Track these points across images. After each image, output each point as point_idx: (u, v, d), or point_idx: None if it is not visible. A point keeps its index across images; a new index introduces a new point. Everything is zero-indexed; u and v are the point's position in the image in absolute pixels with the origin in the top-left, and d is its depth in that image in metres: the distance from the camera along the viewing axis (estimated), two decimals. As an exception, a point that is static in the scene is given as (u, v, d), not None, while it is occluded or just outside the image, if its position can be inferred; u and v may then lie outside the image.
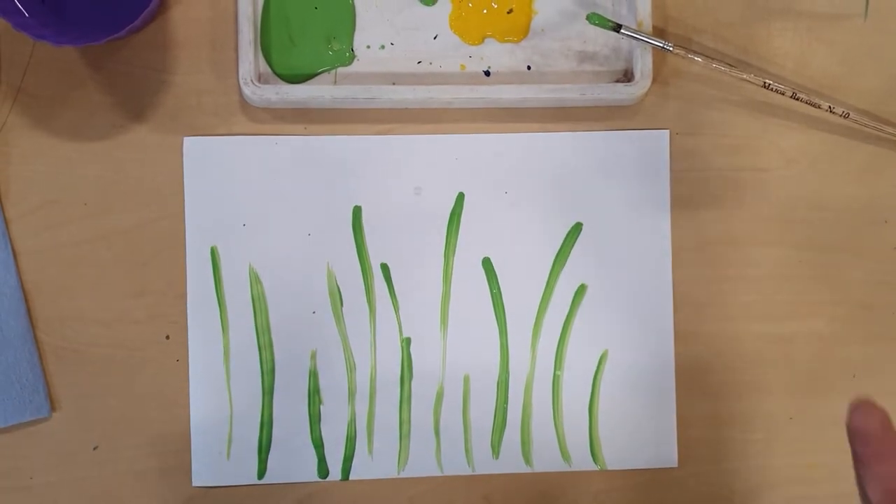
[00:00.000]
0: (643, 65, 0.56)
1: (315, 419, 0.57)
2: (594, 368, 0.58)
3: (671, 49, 0.56)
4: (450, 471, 0.57)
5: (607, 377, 0.58)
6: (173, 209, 0.56)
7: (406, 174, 0.57)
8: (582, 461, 0.58)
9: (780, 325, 0.59)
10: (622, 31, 0.56)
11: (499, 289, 0.58)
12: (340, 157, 0.57)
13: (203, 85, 0.57)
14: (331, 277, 0.57)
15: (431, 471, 0.57)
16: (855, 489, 0.59)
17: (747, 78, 0.57)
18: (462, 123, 0.58)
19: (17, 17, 0.52)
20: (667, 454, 0.58)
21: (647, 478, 0.58)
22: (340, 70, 0.57)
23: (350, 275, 0.57)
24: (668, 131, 0.58)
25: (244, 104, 0.57)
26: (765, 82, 0.57)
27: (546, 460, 0.58)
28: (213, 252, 0.56)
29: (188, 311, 0.56)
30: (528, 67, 0.58)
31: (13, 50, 0.56)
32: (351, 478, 0.57)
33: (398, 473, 0.57)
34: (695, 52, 0.57)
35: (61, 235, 0.56)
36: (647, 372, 0.58)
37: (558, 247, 0.58)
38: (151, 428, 0.56)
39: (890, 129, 0.58)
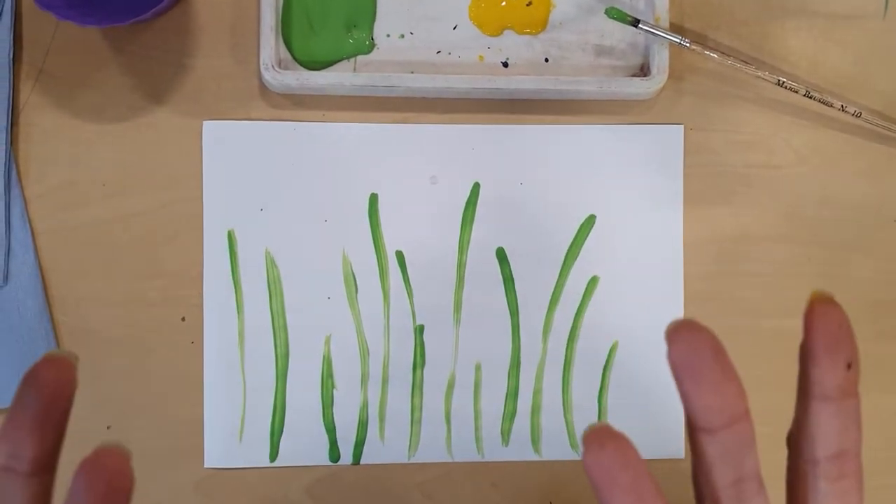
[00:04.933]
0: (660, 60, 0.57)
1: (328, 404, 0.57)
2: (604, 359, 0.59)
3: (688, 45, 0.56)
4: (460, 457, 0.58)
5: (617, 368, 0.59)
6: (191, 192, 0.57)
7: (422, 163, 0.58)
8: (590, 451, 0.58)
9: (788, 321, 0.60)
10: (640, 25, 0.56)
11: (512, 278, 0.58)
12: (358, 145, 0.57)
13: (223, 69, 0.57)
14: (346, 264, 0.57)
15: (441, 457, 0.58)
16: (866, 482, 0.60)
17: (761, 75, 0.58)
18: (479, 114, 0.58)
19: (43, -3, 0.52)
20: (674, 445, 0.59)
21: (653, 468, 0.59)
22: (360, 58, 0.57)
23: (365, 261, 0.58)
24: (682, 126, 0.59)
25: (264, 89, 0.57)
26: (778, 80, 0.57)
27: (555, 448, 0.58)
28: (230, 235, 0.57)
29: (204, 293, 0.57)
30: (546, 60, 0.58)
31: (36, 30, 0.56)
32: (362, 462, 0.57)
33: (409, 459, 0.58)
34: (711, 49, 0.57)
35: (79, 216, 0.56)
36: (657, 365, 0.59)
37: (571, 238, 0.58)
38: (165, 409, 0.57)
39: (901, 130, 0.59)
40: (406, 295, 0.58)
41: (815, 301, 0.28)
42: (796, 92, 0.58)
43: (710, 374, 0.26)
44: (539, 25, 0.58)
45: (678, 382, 0.27)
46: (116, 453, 0.25)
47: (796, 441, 0.29)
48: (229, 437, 0.57)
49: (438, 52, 0.58)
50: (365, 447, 0.57)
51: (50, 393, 0.26)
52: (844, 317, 0.28)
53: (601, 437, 0.26)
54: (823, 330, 0.28)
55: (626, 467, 0.26)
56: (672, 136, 0.59)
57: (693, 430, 0.28)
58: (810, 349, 0.28)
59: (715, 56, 0.57)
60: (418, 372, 0.58)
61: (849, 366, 0.28)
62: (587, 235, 0.58)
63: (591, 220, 0.58)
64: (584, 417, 0.58)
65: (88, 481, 0.25)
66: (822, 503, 0.29)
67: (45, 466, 0.26)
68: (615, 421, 0.59)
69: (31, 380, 0.25)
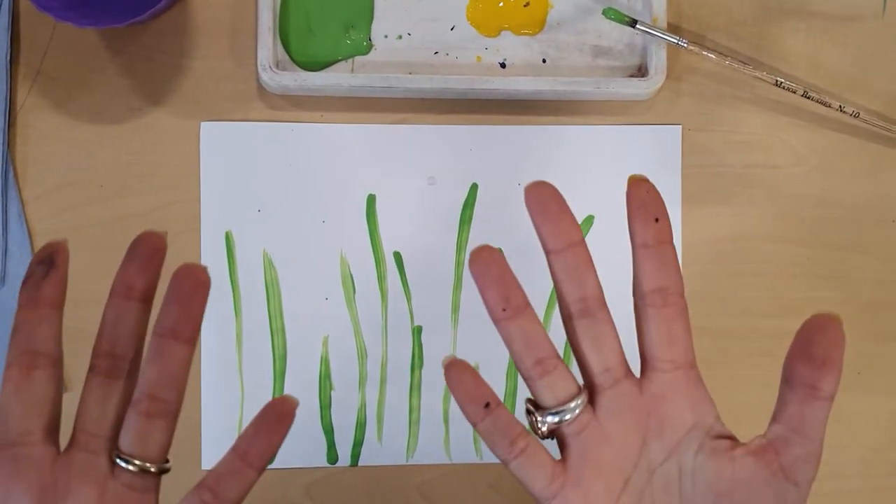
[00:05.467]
0: (657, 60, 0.57)
1: (326, 405, 0.57)
2: (603, 360, 0.58)
3: (685, 45, 0.56)
4: (458, 458, 0.58)
5: (615, 369, 0.58)
6: (189, 194, 0.57)
7: (420, 164, 0.58)
8: (589, 452, 0.58)
9: (787, 322, 0.59)
10: (637, 26, 0.56)
11: (510, 279, 0.58)
12: (356, 146, 0.57)
13: (221, 71, 0.57)
14: (344, 265, 0.57)
15: (440, 458, 0.58)
16: (862, 485, 0.59)
17: (759, 76, 0.58)
18: (477, 115, 0.58)
19: (41, -1, 0.52)
20: (673, 447, 0.58)
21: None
22: (358, 59, 0.57)
23: (363, 262, 0.57)
24: (680, 127, 0.59)
25: (262, 90, 0.57)
26: (777, 80, 0.57)
27: (553, 450, 0.58)
28: (228, 237, 0.57)
29: (202, 294, 0.57)
30: (544, 61, 0.58)
31: (34, 31, 0.56)
32: (360, 464, 0.57)
33: (407, 460, 0.58)
34: (708, 49, 0.57)
35: (77, 217, 0.56)
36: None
37: (570, 239, 0.58)
38: (162, 410, 0.56)
39: (899, 130, 0.59)
40: (404, 296, 0.58)
41: (630, 180, 0.37)
42: (794, 92, 0.58)
43: (552, 209, 0.36)
44: (537, 26, 0.58)
45: (532, 219, 0.36)
46: (199, 266, 0.36)
47: (633, 287, 0.37)
48: (227, 439, 0.56)
49: (436, 52, 0.58)
50: (363, 448, 0.57)
51: (151, 248, 0.36)
52: (651, 186, 0.36)
53: (479, 249, 0.36)
54: (635, 196, 0.36)
55: (493, 264, 0.36)
56: (670, 137, 0.59)
57: (547, 257, 0.37)
58: (629, 213, 0.36)
59: (713, 56, 0.57)
60: (416, 373, 0.58)
61: (657, 220, 0.36)
62: (585, 236, 0.58)
63: (589, 220, 0.58)
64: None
65: (182, 275, 0.35)
66: (651, 325, 0.37)
67: (147, 298, 0.36)
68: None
69: (138, 242, 0.36)
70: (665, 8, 0.57)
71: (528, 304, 0.36)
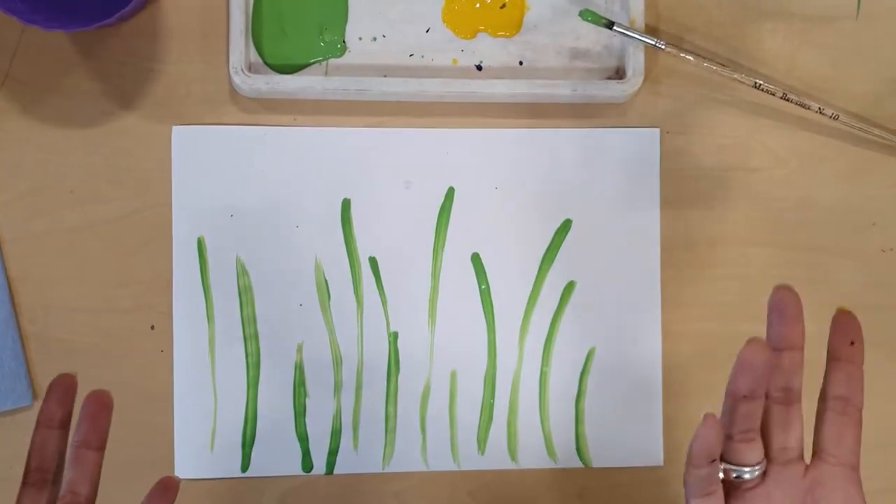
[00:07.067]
0: (635, 62, 0.56)
1: (300, 412, 0.56)
2: (581, 366, 0.58)
3: (663, 47, 0.56)
4: (435, 466, 0.57)
5: (594, 375, 0.58)
6: (161, 198, 0.56)
7: (396, 167, 0.57)
8: (567, 458, 0.58)
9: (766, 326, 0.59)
10: (614, 28, 0.56)
11: (487, 284, 0.57)
12: (330, 149, 0.57)
13: (193, 74, 0.56)
14: (318, 270, 0.57)
15: (417, 466, 0.57)
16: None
17: (738, 78, 0.57)
18: (453, 118, 0.58)
19: (7, 1, 0.51)
20: (652, 452, 0.58)
21: (632, 476, 0.58)
22: (332, 61, 0.57)
23: (338, 268, 0.57)
24: (658, 129, 0.58)
25: (234, 94, 0.56)
26: (755, 82, 0.57)
27: (532, 457, 0.58)
28: (200, 242, 0.56)
29: (174, 301, 0.56)
30: (521, 63, 0.58)
31: (2, 35, 0.55)
32: (335, 472, 0.57)
33: (383, 468, 0.57)
34: (686, 51, 0.57)
35: (47, 223, 0.56)
36: (634, 370, 0.58)
37: (547, 243, 0.58)
38: (135, 419, 0.56)
39: (878, 132, 0.59)
40: (380, 301, 0.57)
41: (838, 310, 0.44)
42: (773, 94, 0.57)
43: (790, 314, 0.44)
44: (513, 28, 0.58)
45: (771, 319, 0.44)
46: (104, 391, 0.44)
47: (821, 391, 0.43)
48: (200, 447, 0.56)
49: (411, 55, 0.57)
50: (338, 456, 0.57)
51: (65, 387, 0.44)
52: (853, 317, 0.44)
53: (748, 350, 0.42)
54: (839, 320, 0.44)
55: (760, 352, 0.41)
56: (648, 140, 0.58)
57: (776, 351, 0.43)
58: (832, 330, 0.44)
59: (691, 58, 0.57)
60: (393, 379, 0.57)
61: (852, 342, 0.43)
62: (563, 240, 0.58)
63: (566, 224, 0.58)
64: (561, 425, 0.58)
65: (91, 399, 0.44)
66: (827, 424, 0.43)
67: (65, 424, 0.44)
68: (593, 428, 0.58)
69: (55, 382, 0.44)
70: (642, 9, 0.57)
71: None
